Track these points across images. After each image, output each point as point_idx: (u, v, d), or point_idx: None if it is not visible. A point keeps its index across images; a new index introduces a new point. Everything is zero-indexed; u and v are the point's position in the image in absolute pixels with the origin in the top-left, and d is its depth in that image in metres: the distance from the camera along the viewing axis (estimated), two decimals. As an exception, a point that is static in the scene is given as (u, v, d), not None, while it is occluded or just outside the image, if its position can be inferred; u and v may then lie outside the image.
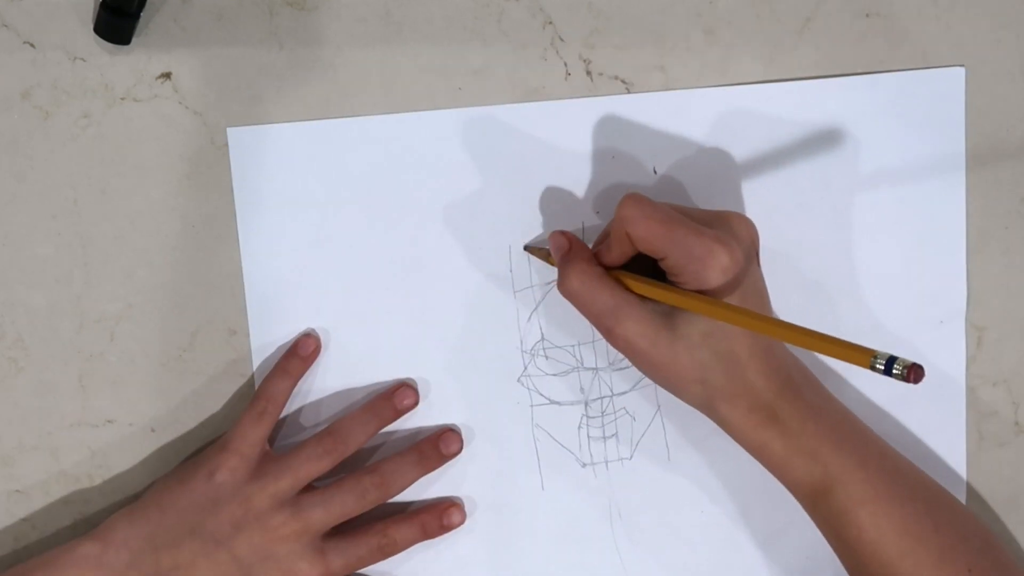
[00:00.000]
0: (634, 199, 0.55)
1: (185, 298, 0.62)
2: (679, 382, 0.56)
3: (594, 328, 0.57)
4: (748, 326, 0.52)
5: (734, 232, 0.56)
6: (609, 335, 0.56)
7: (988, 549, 0.58)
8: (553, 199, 0.62)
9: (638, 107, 0.61)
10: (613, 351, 0.61)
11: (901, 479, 0.57)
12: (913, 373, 0.44)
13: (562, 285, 0.57)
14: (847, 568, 0.58)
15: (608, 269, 0.57)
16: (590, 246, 0.59)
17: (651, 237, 0.54)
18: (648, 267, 0.57)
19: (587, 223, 0.62)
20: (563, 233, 0.59)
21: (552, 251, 0.59)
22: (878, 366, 0.44)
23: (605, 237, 0.59)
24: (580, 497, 0.64)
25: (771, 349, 0.56)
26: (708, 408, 0.57)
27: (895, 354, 0.45)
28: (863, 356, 0.45)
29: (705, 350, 0.55)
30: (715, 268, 0.53)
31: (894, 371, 0.44)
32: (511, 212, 0.62)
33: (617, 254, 0.56)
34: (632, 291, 0.56)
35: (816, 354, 0.62)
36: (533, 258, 0.62)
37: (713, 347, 0.55)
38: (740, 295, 0.55)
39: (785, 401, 0.56)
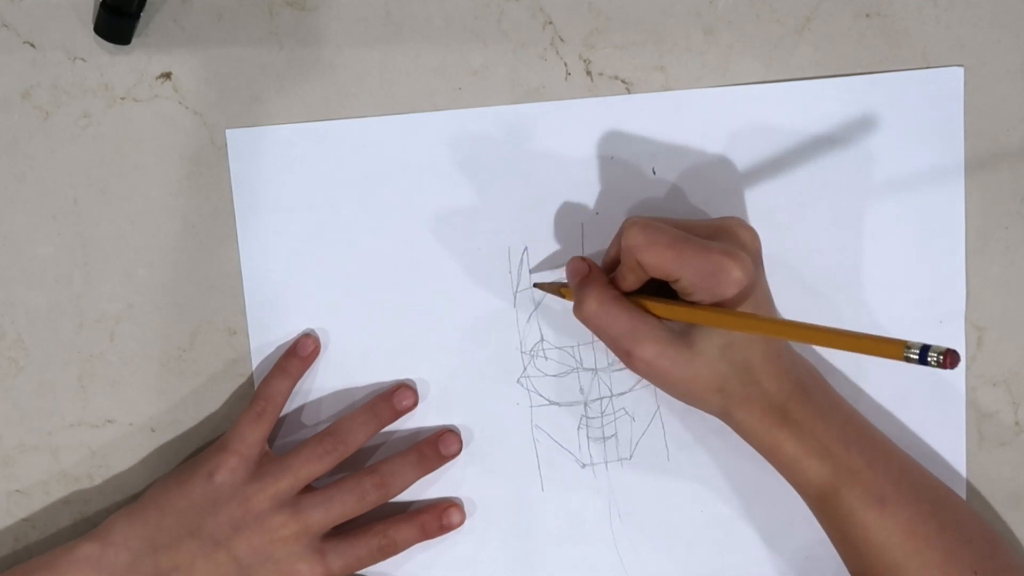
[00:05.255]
0: (638, 226, 0.54)
1: (185, 298, 0.62)
2: (698, 395, 0.56)
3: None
4: (777, 334, 0.52)
5: (740, 242, 0.56)
6: (628, 358, 0.56)
7: (993, 550, 0.58)
8: (553, 200, 0.62)
9: (638, 107, 0.61)
10: (612, 352, 0.61)
11: (907, 480, 0.57)
12: (949, 358, 0.43)
13: (579, 309, 0.57)
14: (852, 571, 0.58)
15: (625, 295, 0.57)
16: (587, 251, 0.59)
17: (662, 263, 0.54)
18: (657, 284, 0.56)
19: (587, 224, 0.62)
20: (583, 259, 0.59)
21: (569, 276, 0.59)
22: (912, 356, 0.44)
23: (611, 262, 0.59)
24: (580, 498, 0.64)
25: (780, 353, 0.56)
26: (724, 414, 0.57)
27: (927, 342, 0.44)
28: (895, 348, 0.44)
29: (724, 362, 0.55)
30: (729, 283, 0.53)
31: (929, 359, 0.43)
32: (510, 213, 0.62)
33: (631, 280, 0.56)
34: (650, 312, 0.56)
35: (818, 354, 0.62)
36: (534, 257, 0.62)
37: (731, 358, 0.55)
38: (753, 302, 0.55)
39: (796, 402, 0.56)
